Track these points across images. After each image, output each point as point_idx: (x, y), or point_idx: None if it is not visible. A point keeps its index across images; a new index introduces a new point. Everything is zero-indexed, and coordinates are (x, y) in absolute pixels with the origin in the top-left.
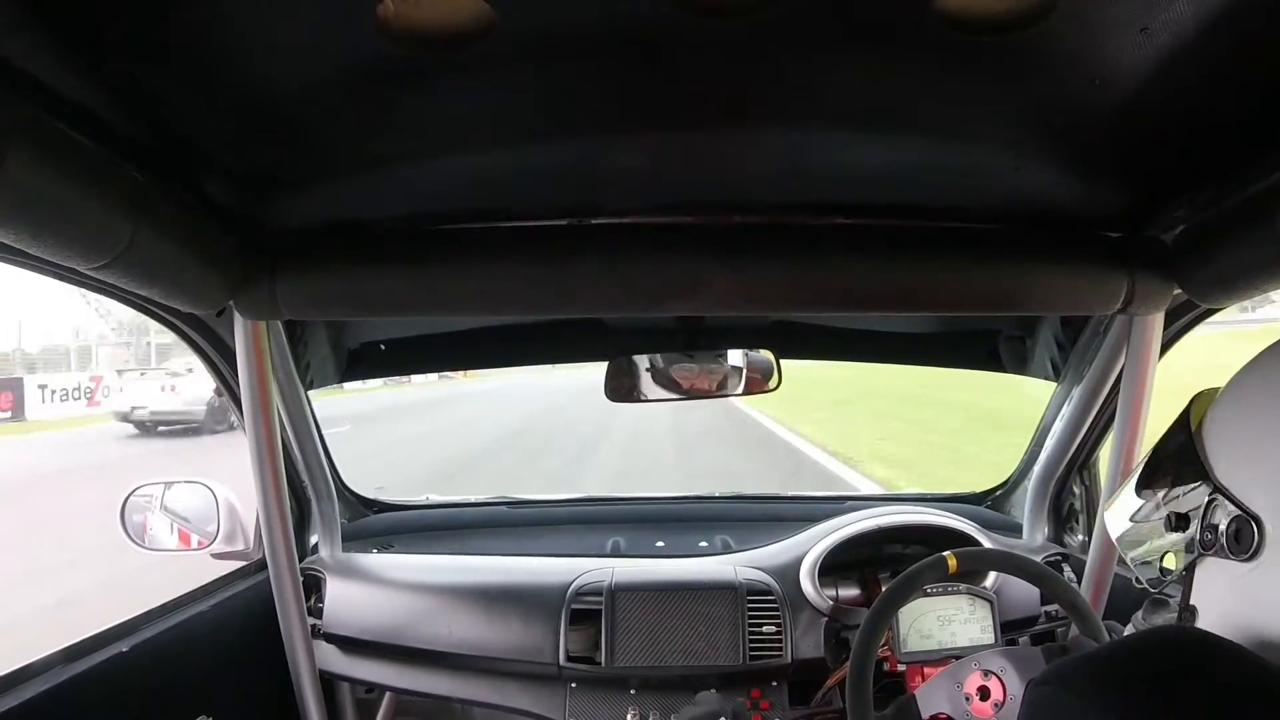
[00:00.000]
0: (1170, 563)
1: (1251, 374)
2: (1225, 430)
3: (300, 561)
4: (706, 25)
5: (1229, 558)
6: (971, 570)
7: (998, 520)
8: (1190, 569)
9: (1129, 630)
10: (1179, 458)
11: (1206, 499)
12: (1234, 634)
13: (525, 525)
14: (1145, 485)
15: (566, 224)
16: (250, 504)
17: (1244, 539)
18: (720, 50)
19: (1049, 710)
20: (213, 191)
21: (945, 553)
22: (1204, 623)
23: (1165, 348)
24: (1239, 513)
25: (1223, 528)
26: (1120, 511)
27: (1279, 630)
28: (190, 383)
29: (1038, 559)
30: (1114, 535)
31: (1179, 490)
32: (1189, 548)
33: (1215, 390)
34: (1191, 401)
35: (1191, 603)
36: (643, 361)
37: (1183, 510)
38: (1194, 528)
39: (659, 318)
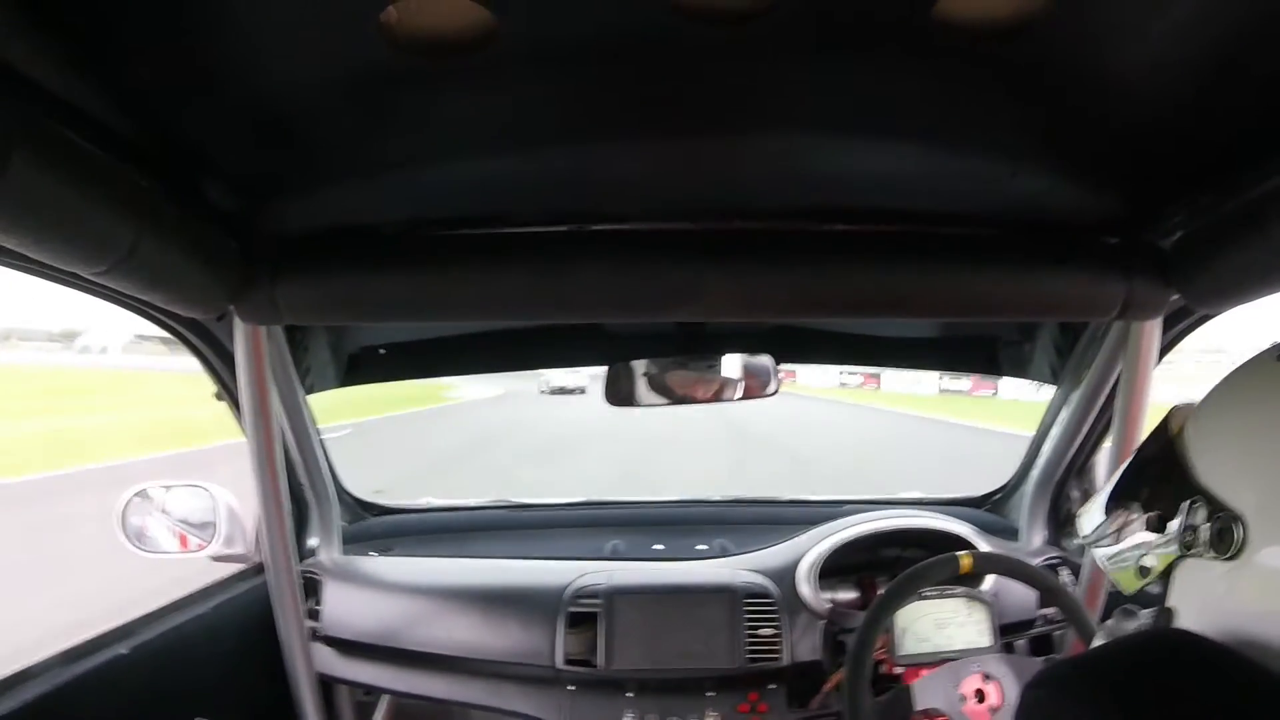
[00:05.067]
0: (1149, 563)
1: (1234, 383)
2: (1209, 435)
3: (299, 564)
4: (705, 32)
5: (1210, 557)
6: (979, 574)
7: (996, 524)
8: (1169, 570)
9: (1099, 639)
10: (1160, 463)
11: (1189, 501)
12: (1213, 632)
13: (524, 528)
14: (1124, 491)
15: (567, 230)
16: (250, 507)
17: (1226, 538)
18: (719, 57)
19: (1043, 713)
20: (215, 197)
21: (958, 553)
22: (1182, 623)
23: (1163, 353)
24: (1222, 513)
25: (1204, 528)
26: (1096, 516)
27: (1258, 628)
28: None
29: (1036, 563)
30: (1088, 538)
31: (1161, 494)
32: (1169, 549)
33: (1191, 404)
34: (1170, 413)
35: (1170, 604)
36: (641, 367)
37: (1163, 513)
38: (1174, 529)
39: (659, 323)
